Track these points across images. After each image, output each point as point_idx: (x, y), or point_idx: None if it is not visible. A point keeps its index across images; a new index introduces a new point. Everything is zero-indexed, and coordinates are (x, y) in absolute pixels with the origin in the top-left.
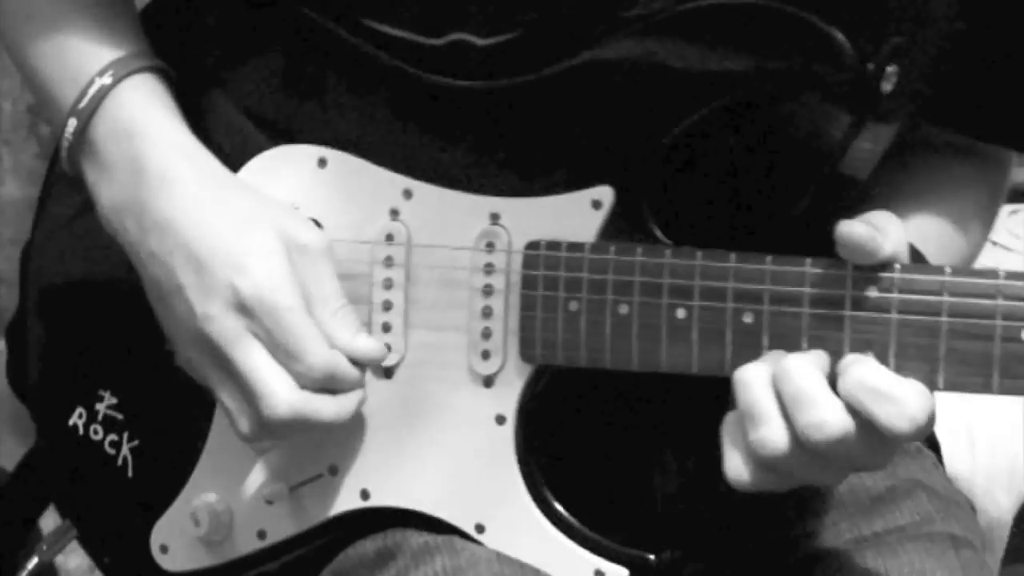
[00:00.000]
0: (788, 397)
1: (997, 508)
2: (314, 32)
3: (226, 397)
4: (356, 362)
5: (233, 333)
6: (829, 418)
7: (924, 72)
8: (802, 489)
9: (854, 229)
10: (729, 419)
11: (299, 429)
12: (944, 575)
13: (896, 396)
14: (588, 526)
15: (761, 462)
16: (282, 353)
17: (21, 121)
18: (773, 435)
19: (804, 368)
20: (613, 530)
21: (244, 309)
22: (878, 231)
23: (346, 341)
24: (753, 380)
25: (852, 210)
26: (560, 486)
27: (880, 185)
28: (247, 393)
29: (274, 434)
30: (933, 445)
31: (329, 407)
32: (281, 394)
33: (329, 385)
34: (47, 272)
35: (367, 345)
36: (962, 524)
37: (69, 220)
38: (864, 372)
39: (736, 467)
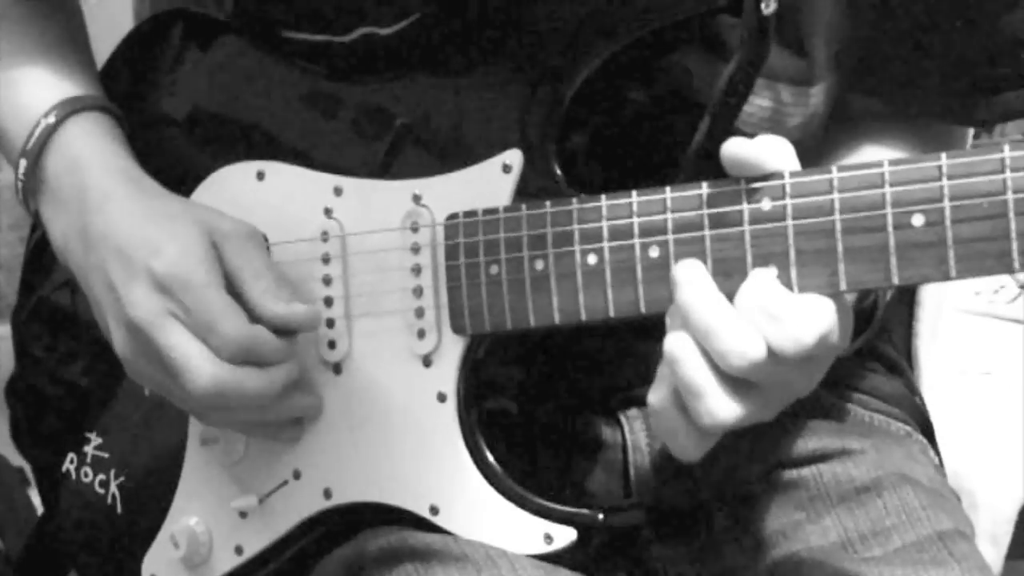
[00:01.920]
0: (697, 331)
1: (1001, 503)
2: (244, 54)
3: (158, 385)
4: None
5: (153, 314)
6: (736, 347)
7: (849, 42)
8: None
9: (736, 144)
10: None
11: (232, 404)
12: None
13: (778, 315)
14: (537, 493)
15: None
16: (200, 327)
17: None
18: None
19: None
20: (563, 495)
21: (162, 288)
22: (762, 145)
23: (272, 309)
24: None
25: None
26: (507, 456)
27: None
28: (171, 372)
29: (211, 416)
30: (926, 431)
31: (254, 379)
32: (201, 368)
33: (250, 357)
34: (31, 329)
35: (295, 310)
36: (950, 515)
37: (47, 277)
38: (751, 290)
39: (661, 399)
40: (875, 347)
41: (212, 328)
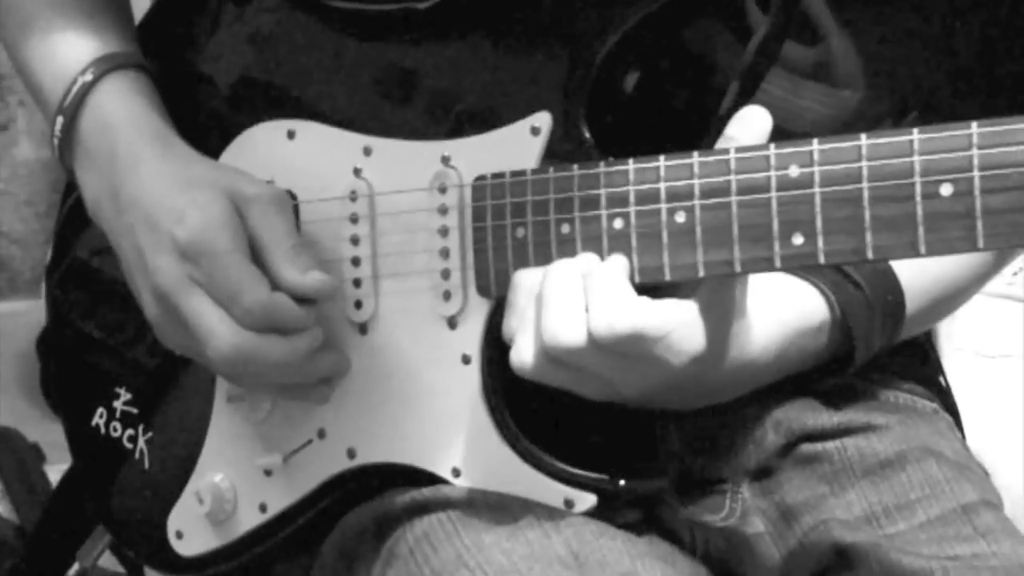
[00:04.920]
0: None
1: (1019, 484)
2: (279, 13)
3: (185, 348)
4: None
5: (177, 282)
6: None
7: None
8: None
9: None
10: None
11: (254, 371)
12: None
13: (607, 295)
14: (559, 457)
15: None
16: (223, 296)
17: None
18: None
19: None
20: (585, 460)
21: (185, 256)
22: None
23: (292, 277)
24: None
25: None
26: (529, 421)
27: None
28: (194, 339)
29: (239, 379)
30: (951, 409)
31: (276, 347)
32: (223, 336)
33: (271, 325)
34: (64, 286)
35: (313, 279)
36: (975, 487)
37: (80, 237)
38: (601, 266)
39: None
40: None
41: (234, 296)
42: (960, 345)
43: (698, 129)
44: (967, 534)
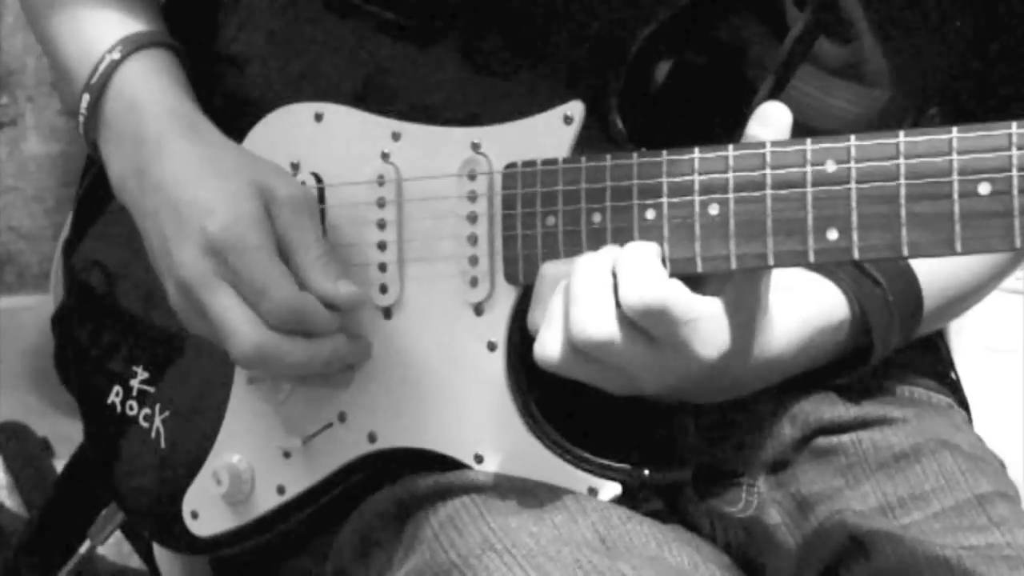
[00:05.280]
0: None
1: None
2: None
3: (208, 336)
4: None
5: (204, 276)
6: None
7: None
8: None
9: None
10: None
11: (275, 371)
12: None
13: (640, 267)
14: (583, 446)
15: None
16: (250, 292)
17: (44, 78)
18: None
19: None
20: (605, 450)
21: (213, 251)
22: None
23: (321, 284)
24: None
25: None
26: (554, 409)
27: None
28: (218, 335)
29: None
30: (962, 404)
31: (298, 350)
32: (247, 335)
33: (297, 326)
34: (83, 262)
35: (344, 289)
36: (990, 479)
37: (102, 212)
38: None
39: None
40: None
41: (262, 292)
42: (969, 339)
43: (728, 123)
44: (982, 524)
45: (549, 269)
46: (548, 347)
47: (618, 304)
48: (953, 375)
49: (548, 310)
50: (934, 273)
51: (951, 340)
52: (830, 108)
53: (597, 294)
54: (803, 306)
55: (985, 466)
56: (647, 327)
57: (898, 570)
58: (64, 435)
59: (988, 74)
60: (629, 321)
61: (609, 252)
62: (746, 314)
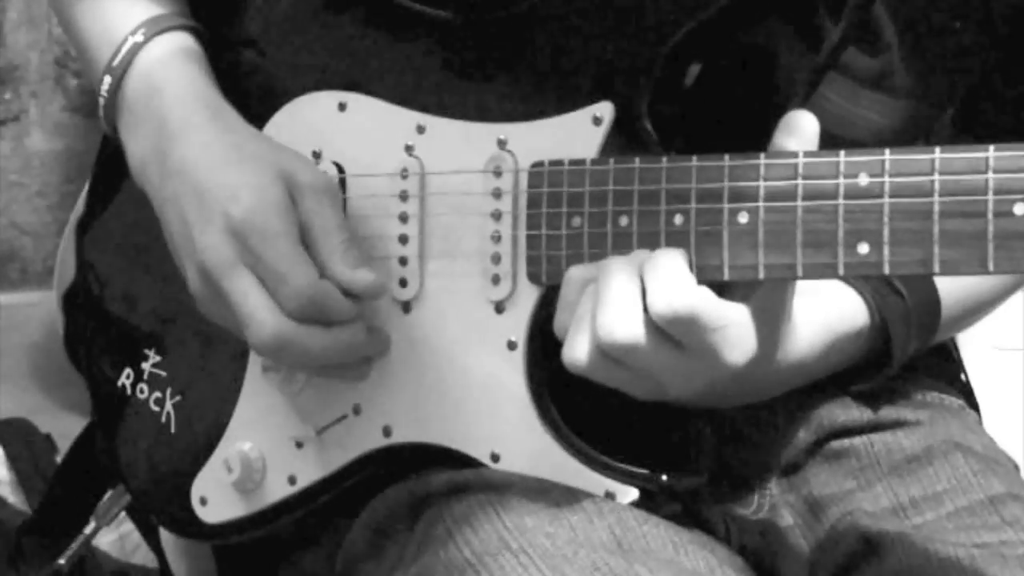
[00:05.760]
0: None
1: None
2: None
3: (226, 324)
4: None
5: (225, 261)
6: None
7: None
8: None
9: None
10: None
11: (292, 360)
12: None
13: (671, 272)
14: (599, 449)
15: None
16: (270, 278)
17: (48, 73)
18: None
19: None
20: (626, 453)
21: (236, 235)
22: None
23: (341, 271)
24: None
25: None
26: (571, 410)
27: None
28: (237, 322)
29: (276, 361)
30: (973, 405)
31: (316, 338)
32: (266, 321)
33: (316, 313)
34: (97, 241)
35: (364, 277)
36: (1003, 480)
37: (117, 191)
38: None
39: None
40: None
41: (282, 277)
42: (976, 338)
43: (756, 130)
44: (994, 523)
45: (575, 272)
46: (577, 350)
47: (646, 309)
48: (964, 377)
49: (576, 313)
50: (954, 284)
51: (958, 338)
52: (856, 118)
53: (625, 297)
54: (826, 312)
55: (998, 467)
56: (676, 334)
57: (911, 570)
58: (68, 431)
59: (1007, 82)
60: (656, 326)
61: (637, 256)
62: (772, 321)
